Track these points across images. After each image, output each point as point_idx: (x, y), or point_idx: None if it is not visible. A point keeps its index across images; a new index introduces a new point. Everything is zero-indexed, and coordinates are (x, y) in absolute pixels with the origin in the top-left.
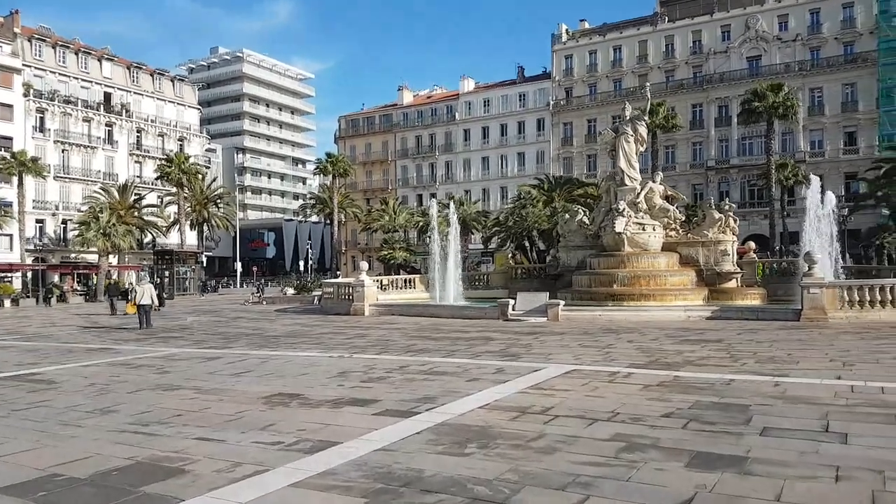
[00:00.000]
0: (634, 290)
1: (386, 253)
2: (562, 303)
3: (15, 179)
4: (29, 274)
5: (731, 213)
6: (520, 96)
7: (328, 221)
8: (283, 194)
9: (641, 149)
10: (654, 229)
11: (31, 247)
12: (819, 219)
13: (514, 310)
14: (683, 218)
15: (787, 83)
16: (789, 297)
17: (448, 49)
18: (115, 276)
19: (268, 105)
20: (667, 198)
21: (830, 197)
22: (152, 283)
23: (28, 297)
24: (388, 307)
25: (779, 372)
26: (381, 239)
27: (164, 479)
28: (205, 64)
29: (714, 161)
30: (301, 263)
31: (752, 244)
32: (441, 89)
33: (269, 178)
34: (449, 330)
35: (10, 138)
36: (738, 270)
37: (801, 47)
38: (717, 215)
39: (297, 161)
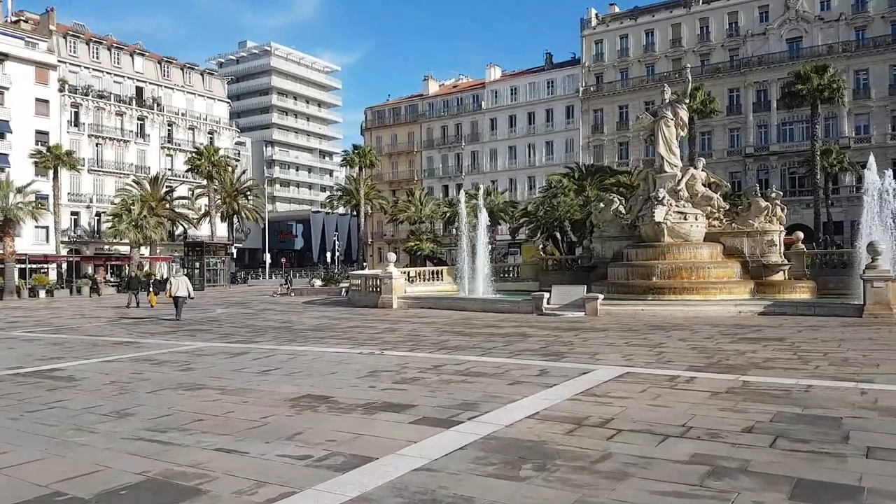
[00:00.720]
0: (675, 282)
1: (413, 244)
2: (600, 296)
3: (51, 173)
4: (64, 265)
5: (779, 202)
6: (548, 83)
7: (354, 213)
8: (310, 186)
9: (682, 133)
10: (696, 218)
11: (66, 239)
12: (882, 202)
13: (548, 304)
14: (727, 206)
15: (830, 65)
16: (842, 291)
17: (474, 39)
18: (135, 268)
19: (295, 98)
20: (709, 185)
21: (889, 179)
22: (187, 275)
23: (62, 287)
24: (416, 299)
25: (860, 377)
26: (406, 230)
27: (177, 503)
28: (234, 58)
29: (752, 148)
30: (328, 255)
31: (800, 234)
32: (467, 79)
33: (297, 170)
34: (482, 325)
35: (47, 133)
36: (786, 262)
37: (846, 27)
38: (763, 204)
39: (323, 153)
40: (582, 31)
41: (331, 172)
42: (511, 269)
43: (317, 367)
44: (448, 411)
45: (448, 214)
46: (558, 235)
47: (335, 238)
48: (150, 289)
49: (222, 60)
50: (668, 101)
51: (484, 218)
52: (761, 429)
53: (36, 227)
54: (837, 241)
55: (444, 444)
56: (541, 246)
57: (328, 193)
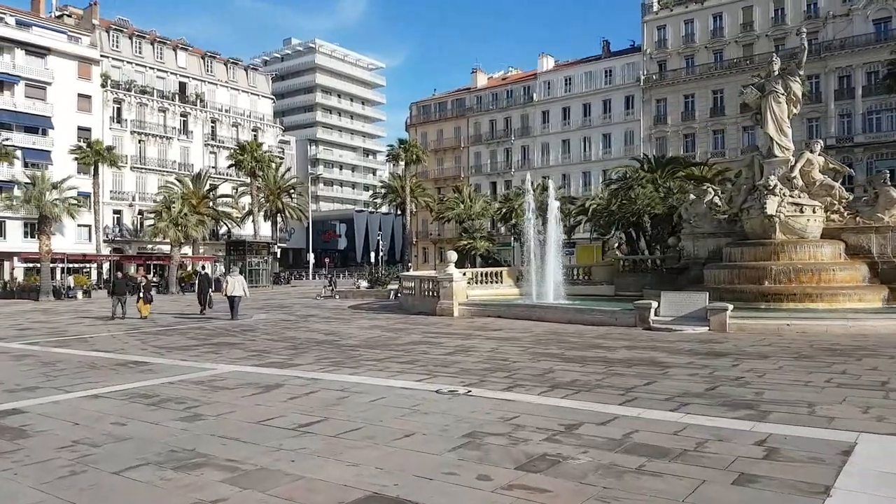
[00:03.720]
0: (793, 288)
1: (465, 243)
2: (730, 307)
3: (91, 170)
4: (105, 265)
5: None
6: (606, 72)
7: (399, 212)
8: (353, 185)
9: (795, 111)
10: (813, 211)
11: (109, 237)
12: None
13: (656, 315)
14: (851, 197)
15: None
16: None
17: (523, 34)
18: (130, 269)
19: (339, 96)
20: (827, 171)
21: None
22: (242, 274)
23: (101, 288)
24: (480, 307)
25: None
26: (452, 229)
27: None
28: (278, 56)
29: (834, 139)
30: (371, 255)
31: None
32: (517, 71)
33: (341, 169)
34: (580, 344)
35: (89, 129)
36: None
37: None
38: (894, 194)
39: (367, 152)
40: (643, 16)
41: (374, 171)
42: (582, 271)
43: (380, 418)
44: None
45: (504, 210)
46: (632, 233)
47: (378, 238)
48: (140, 294)
49: (267, 58)
50: (776, 72)
51: (555, 213)
52: None
53: (79, 225)
54: None
55: None
56: (616, 244)
57: (371, 192)
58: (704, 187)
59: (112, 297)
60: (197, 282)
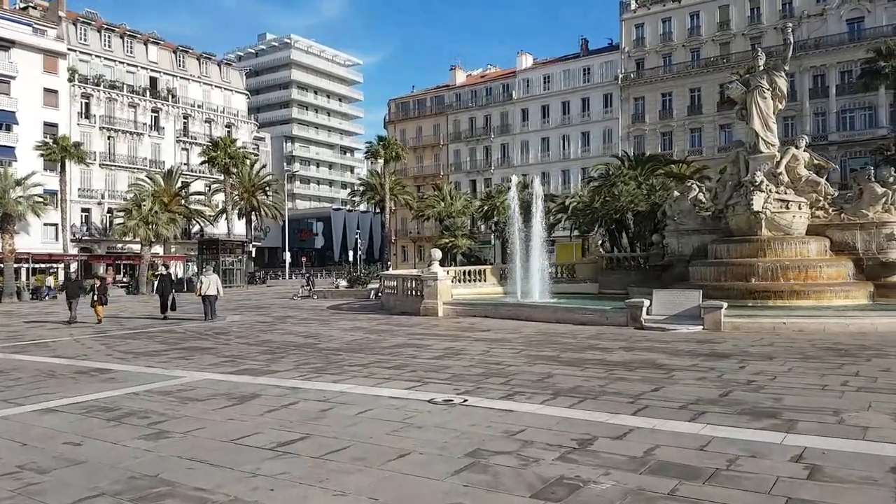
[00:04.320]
0: (781, 285)
1: (447, 241)
2: (724, 305)
3: (58, 167)
4: (73, 265)
5: None
6: (584, 71)
7: (377, 210)
8: (330, 183)
9: (780, 106)
10: (799, 207)
11: (77, 237)
12: None
13: (648, 313)
14: (836, 193)
15: None
16: None
17: (503, 34)
18: (99, 269)
19: (316, 92)
20: (812, 168)
21: None
22: (216, 274)
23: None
24: (466, 306)
25: None
26: (432, 227)
27: None
28: (253, 51)
29: (809, 137)
30: (350, 254)
31: None
32: (496, 69)
33: (318, 166)
34: (574, 345)
35: (56, 125)
36: None
37: None
38: (879, 190)
39: (344, 150)
40: (621, 14)
41: (352, 169)
42: (565, 268)
43: (369, 434)
44: None
45: (486, 208)
46: (615, 230)
47: (357, 236)
48: (95, 297)
49: (241, 54)
50: (762, 67)
51: (539, 210)
52: None
53: (45, 224)
54: None
55: None
56: (599, 242)
57: (349, 190)
58: (689, 184)
59: (67, 299)
60: (157, 283)
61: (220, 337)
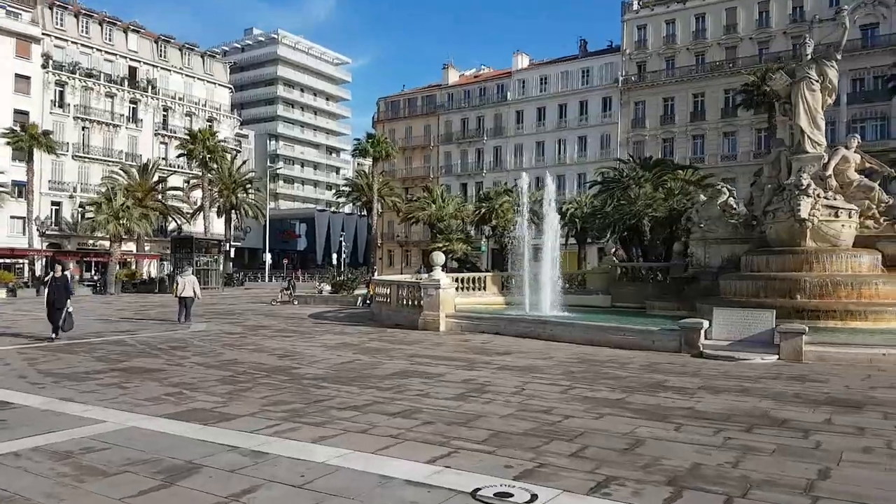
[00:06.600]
0: (832, 303)
1: (441, 245)
2: (805, 329)
3: (26, 156)
4: (41, 261)
5: None
6: (583, 72)
7: (363, 212)
8: (315, 184)
9: (830, 100)
10: (849, 216)
11: (46, 231)
12: None
13: (706, 338)
14: (891, 201)
15: None
16: None
17: (498, 35)
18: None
19: (302, 90)
20: (863, 171)
21: None
22: (193, 275)
23: (29, 286)
24: (472, 320)
25: None
26: (420, 231)
27: None
28: (238, 46)
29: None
30: (334, 257)
31: None
32: (490, 69)
33: (303, 166)
34: (635, 382)
35: (27, 113)
36: None
37: None
38: None
39: (330, 150)
40: (622, 15)
41: (338, 170)
42: (577, 278)
43: None
44: None
45: (482, 211)
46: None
47: (341, 239)
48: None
49: (226, 48)
50: (810, 56)
51: (553, 215)
52: None
53: (11, 217)
54: None
55: None
56: (613, 250)
57: (334, 191)
58: (718, 187)
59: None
60: (47, 291)
61: (175, 353)
